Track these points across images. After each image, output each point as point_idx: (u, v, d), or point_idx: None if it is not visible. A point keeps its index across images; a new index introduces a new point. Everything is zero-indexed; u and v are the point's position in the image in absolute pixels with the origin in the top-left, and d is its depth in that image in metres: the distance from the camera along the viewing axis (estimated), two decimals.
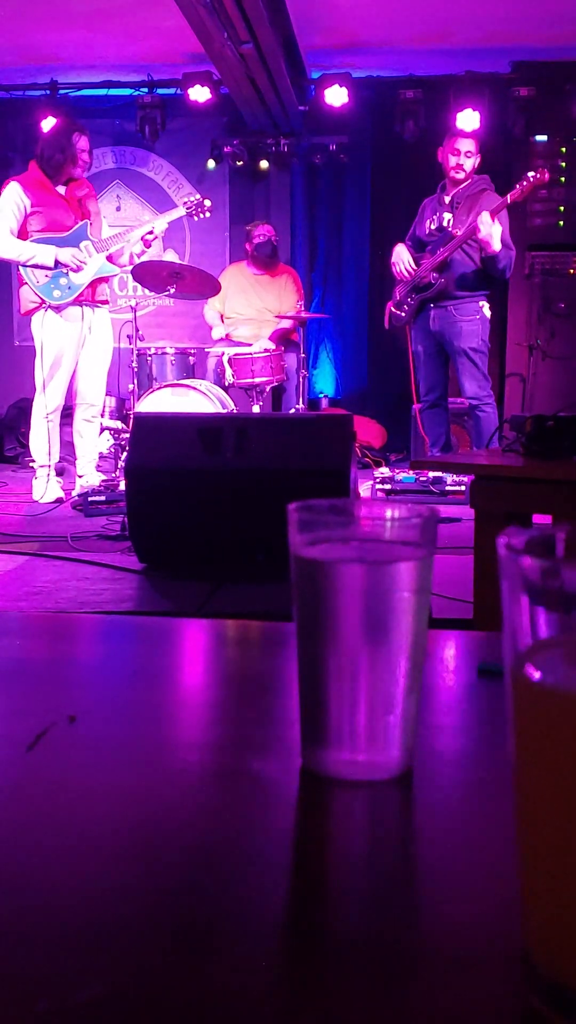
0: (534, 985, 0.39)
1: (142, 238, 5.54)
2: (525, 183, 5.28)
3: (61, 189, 5.43)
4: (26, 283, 5.33)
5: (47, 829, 0.53)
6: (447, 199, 5.55)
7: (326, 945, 0.42)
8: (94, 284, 5.43)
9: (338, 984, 0.39)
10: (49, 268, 5.28)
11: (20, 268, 5.34)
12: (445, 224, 5.49)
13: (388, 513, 0.60)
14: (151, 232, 5.56)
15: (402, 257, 5.64)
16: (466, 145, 5.53)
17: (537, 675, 0.37)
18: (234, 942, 0.42)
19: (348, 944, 0.42)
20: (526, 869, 0.39)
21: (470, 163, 5.50)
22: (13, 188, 5.36)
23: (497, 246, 5.22)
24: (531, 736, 0.38)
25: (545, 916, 0.38)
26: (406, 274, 5.62)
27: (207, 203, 5.95)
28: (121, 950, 0.42)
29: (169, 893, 0.46)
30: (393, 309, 5.79)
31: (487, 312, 5.55)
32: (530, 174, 5.30)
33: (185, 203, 5.92)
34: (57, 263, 5.27)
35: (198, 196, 6.03)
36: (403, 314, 5.72)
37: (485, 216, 5.19)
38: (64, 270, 5.30)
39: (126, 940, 0.42)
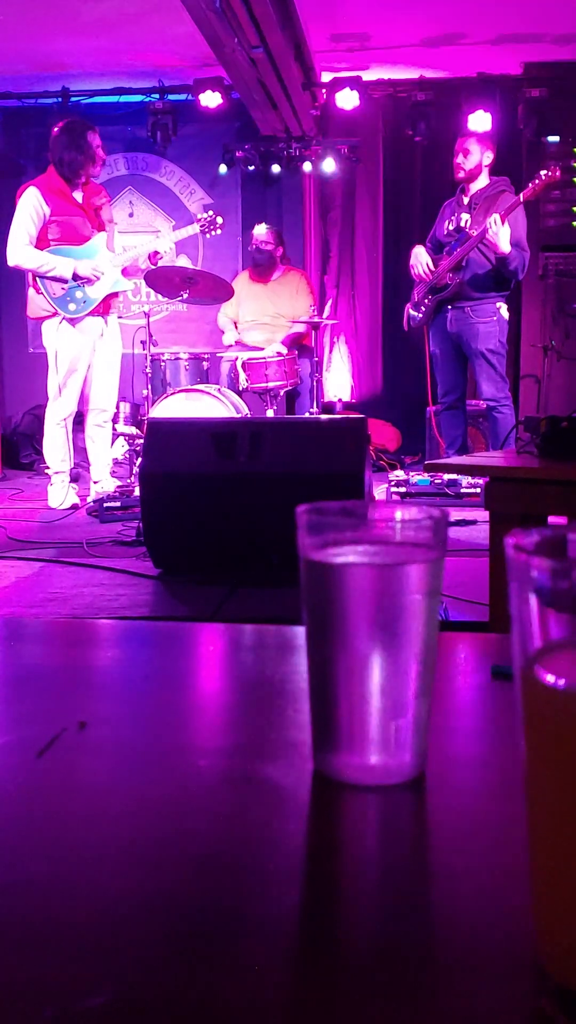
0: (545, 989, 0.38)
1: (148, 255, 5.51)
2: (537, 181, 5.28)
3: (78, 196, 5.38)
4: (41, 292, 5.30)
5: (56, 835, 0.53)
6: (465, 200, 5.55)
7: (338, 951, 0.42)
8: (108, 298, 5.41)
9: (349, 991, 0.39)
10: (67, 281, 5.26)
11: (36, 277, 5.32)
12: (463, 224, 5.48)
13: (398, 515, 0.59)
14: (157, 252, 5.55)
15: (420, 258, 5.63)
16: (465, 144, 5.54)
17: (547, 677, 0.37)
18: (244, 949, 0.42)
19: (360, 950, 0.42)
20: (538, 872, 0.39)
21: (470, 161, 5.50)
22: (32, 194, 5.26)
23: (506, 247, 5.21)
24: (542, 739, 0.38)
25: (557, 919, 0.38)
26: (424, 275, 5.61)
27: (219, 220, 5.93)
28: (129, 957, 0.41)
29: (179, 899, 0.46)
30: (411, 310, 5.78)
31: (505, 313, 5.54)
32: (542, 172, 5.31)
33: (199, 220, 5.91)
34: (75, 276, 5.25)
35: (211, 213, 5.98)
36: (420, 315, 5.71)
37: (495, 217, 5.20)
38: (81, 283, 5.28)
39: (135, 946, 0.42)
